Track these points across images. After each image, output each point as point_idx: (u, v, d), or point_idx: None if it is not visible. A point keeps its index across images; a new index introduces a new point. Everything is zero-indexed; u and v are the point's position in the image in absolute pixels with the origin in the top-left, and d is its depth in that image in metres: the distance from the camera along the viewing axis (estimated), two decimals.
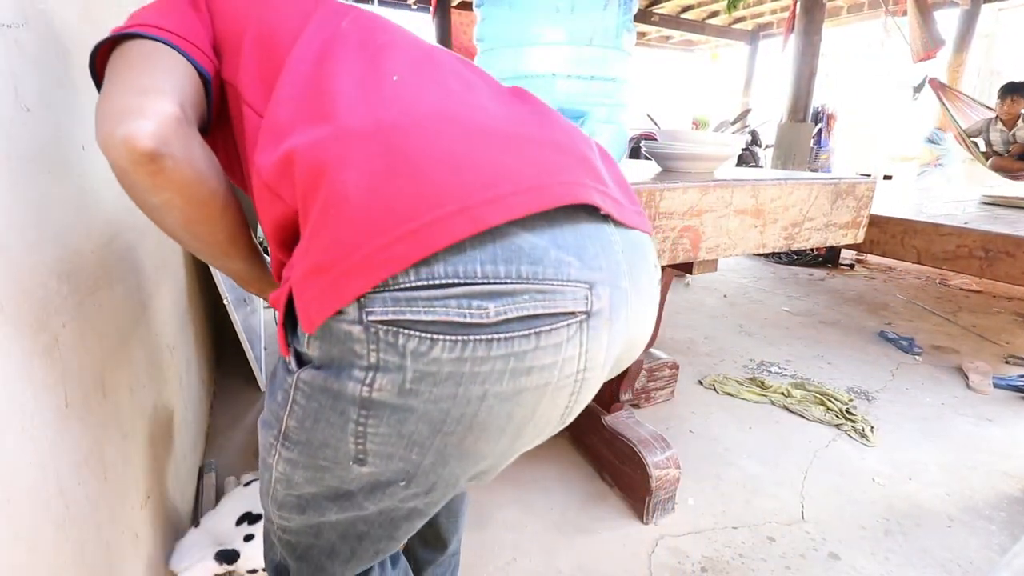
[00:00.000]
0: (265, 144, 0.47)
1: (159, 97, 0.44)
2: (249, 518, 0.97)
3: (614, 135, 0.94)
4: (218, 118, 0.58)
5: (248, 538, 0.95)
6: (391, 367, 0.39)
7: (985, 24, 6.61)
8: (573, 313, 0.41)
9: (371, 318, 0.38)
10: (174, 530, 1.06)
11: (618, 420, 1.39)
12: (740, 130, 4.73)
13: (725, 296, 3.11)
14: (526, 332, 0.39)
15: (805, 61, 4.39)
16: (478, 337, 0.38)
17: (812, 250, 3.79)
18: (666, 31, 7.69)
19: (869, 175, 1.61)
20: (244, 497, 1.02)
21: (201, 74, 0.52)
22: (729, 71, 8.98)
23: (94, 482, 0.69)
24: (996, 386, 1.97)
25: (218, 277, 1.64)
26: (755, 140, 5.10)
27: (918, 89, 4.44)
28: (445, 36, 5.27)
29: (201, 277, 1.76)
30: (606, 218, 0.46)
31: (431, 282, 0.38)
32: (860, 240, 1.13)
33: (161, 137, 0.42)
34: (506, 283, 0.38)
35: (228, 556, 0.92)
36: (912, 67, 4.46)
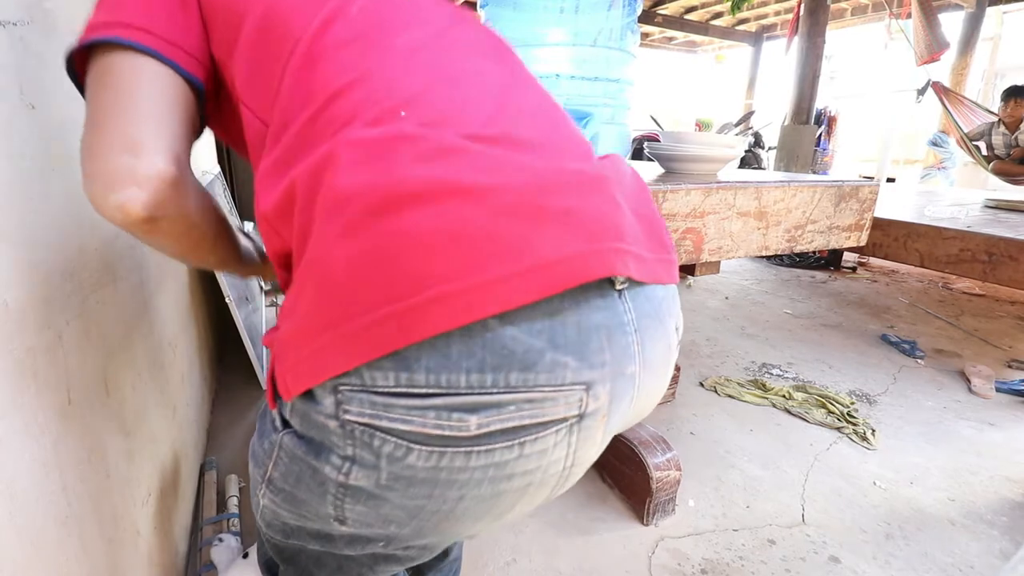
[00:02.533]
0: (269, 173, 0.43)
1: (150, 156, 0.41)
2: None
3: (617, 136, 0.94)
4: (215, 96, 0.53)
5: None
6: (367, 464, 0.37)
7: (990, 27, 6.60)
8: (564, 419, 0.38)
9: (347, 417, 0.36)
10: (175, 528, 1.06)
11: None
12: (743, 132, 4.74)
13: (727, 298, 3.10)
14: (509, 443, 0.37)
15: (808, 63, 4.39)
16: (456, 449, 0.36)
17: (814, 253, 3.78)
18: (669, 32, 7.69)
19: (872, 178, 1.61)
20: None
21: (192, 84, 0.47)
22: (732, 73, 8.97)
23: (96, 480, 0.69)
24: (999, 390, 1.96)
25: (220, 276, 1.64)
26: (758, 142, 5.10)
27: (922, 92, 4.43)
28: None
29: (204, 276, 1.77)
30: (622, 288, 0.41)
31: (410, 390, 0.35)
32: (863, 243, 1.12)
33: (156, 205, 0.42)
34: (492, 394, 0.35)
35: None
36: (916, 70, 4.46)
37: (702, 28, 7.45)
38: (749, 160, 5.01)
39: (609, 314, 0.39)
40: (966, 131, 3.93)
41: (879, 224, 1.91)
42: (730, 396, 1.89)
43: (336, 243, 0.36)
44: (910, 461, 1.55)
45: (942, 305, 3.00)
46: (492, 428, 0.36)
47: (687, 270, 1.03)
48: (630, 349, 0.41)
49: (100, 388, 0.74)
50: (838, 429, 1.70)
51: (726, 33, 7.68)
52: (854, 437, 1.65)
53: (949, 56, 4.97)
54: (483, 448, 0.36)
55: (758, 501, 1.36)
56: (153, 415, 0.99)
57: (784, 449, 1.59)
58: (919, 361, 2.23)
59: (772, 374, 2.09)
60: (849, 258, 3.98)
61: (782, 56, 5.56)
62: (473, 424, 0.35)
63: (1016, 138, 3.61)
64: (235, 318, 1.70)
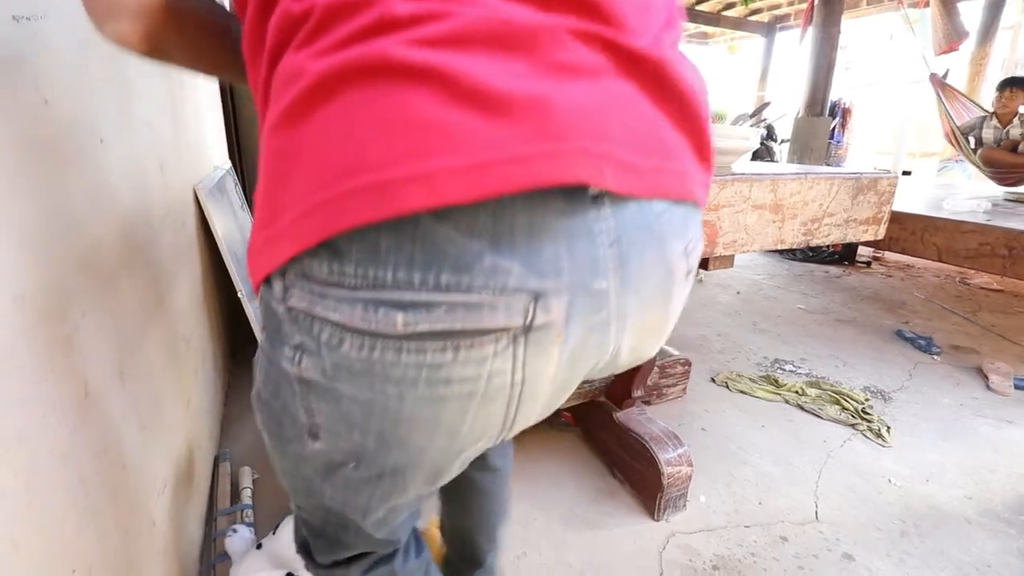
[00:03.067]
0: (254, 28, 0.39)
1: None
2: None
3: None
4: None
5: None
6: (311, 351, 0.37)
7: (1010, 15, 6.44)
8: (505, 328, 0.34)
9: (290, 303, 0.36)
10: (190, 519, 1.07)
11: (629, 416, 1.39)
12: (757, 124, 4.67)
13: (739, 293, 3.07)
14: (441, 345, 0.34)
15: (823, 54, 4.32)
16: (385, 344, 0.34)
17: (828, 247, 3.73)
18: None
19: (888, 171, 1.58)
20: None
21: None
22: (745, 64, 8.85)
23: (113, 471, 0.70)
24: (1017, 387, 1.93)
25: (232, 270, 1.65)
26: (771, 134, 5.03)
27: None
28: None
29: (216, 269, 1.78)
30: (600, 195, 0.36)
31: (341, 280, 0.34)
32: (881, 236, 1.11)
33: (147, 33, 0.42)
34: (420, 292, 0.33)
35: None
36: (933, 60, 4.36)
37: (714, 19, 7.35)
38: (761, 153, 4.94)
39: (573, 221, 0.35)
40: (958, 124, 3.85)
41: (896, 218, 1.88)
42: (742, 392, 1.88)
43: (277, 129, 0.35)
44: (926, 458, 1.53)
45: (959, 300, 2.95)
46: (420, 329, 0.33)
47: (701, 264, 1.01)
48: (600, 264, 0.36)
49: (116, 380, 0.74)
50: (852, 426, 1.68)
51: (738, 24, 7.57)
52: (869, 434, 1.63)
53: (968, 45, 4.86)
54: (413, 346, 0.34)
55: (770, 497, 1.35)
56: (168, 407, 1.00)
57: (797, 445, 1.58)
58: (935, 357, 2.20)
59: (785, 370, 2.07)
60: (864, 252, 3.92)
61: (796, 47, 5.48)
62: (399, 322, 0.33)
63: (1007, 132, 3.51)
64: (247, 311, 1.71)
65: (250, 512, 1.21)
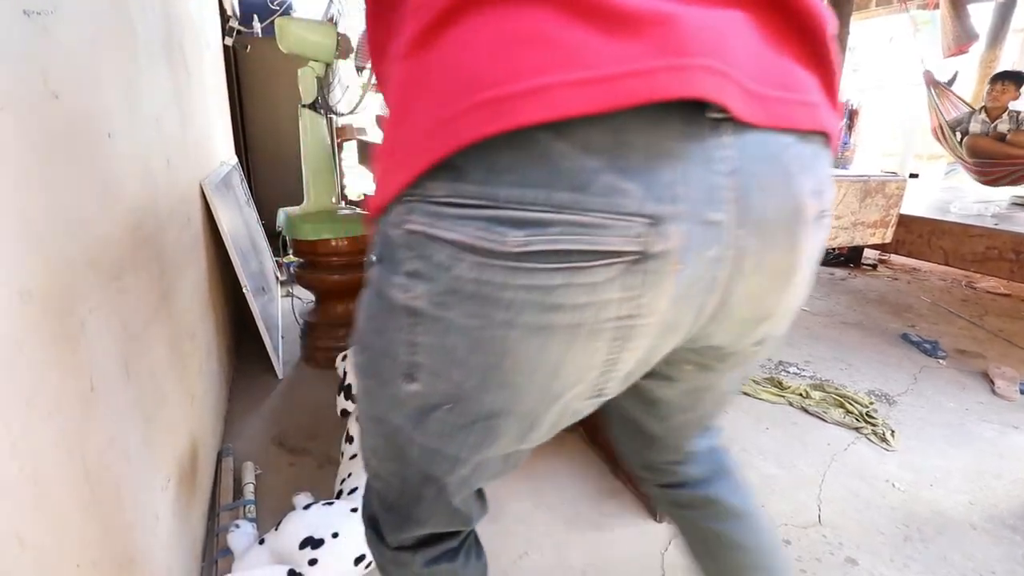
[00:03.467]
0: None
1: None
2: (312, 543, 0.99)
3: None
4: None
5: (312, 562, 0.97)
6: (425, 277, 0.36)
7: (1021, 18, 6.38)
8: (619, 253, 0.33)
9: (408, 227, 0.36)
10: (193, 514, 1.08)
11: None
12: None
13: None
14: (554, 267, 0.33)
15: None
16: (498, 263, 0.34)
17: (833, 249, 3.71)
18: None
19: (895, 173, 1.57)
20: (305, 520, 1.03)
21: None
22: None
23: (117, 465, 0.70)
24: (1023, 392, 1.92)
25: (238, 266, 1.65)
26: None
27: (948, 84, 4.31)
28: None
29: (222, 266, 1.79)
30: (721, 120, 0.33)
31: (458, 200, 0.34)
32: (888, 240, 1.10)
33: None
34: (535, 211, 0.32)
35: None
36: (942, 62, 4.33)
37: None
38: None
39: (690, 145, 0.33)
40: (947, 119, 3.82)
41: (902, 221, 1.87)
42: (745, 394, 1.87)
43: (403, 59, 0.36)
44: (930, 463, 1.52)
45: (965, 304, 2.93)
46: (535, 248, 0.33)
47: None
48: (716, 193, 0.34)
49: (121, 375, 0.75)
50: (856, 429, 1.67)
51: None
52: (873, 438, 1.63)
53: (978, 48, 4.82)
54: (526, 266, 0.33)
55: (773, 500, 1.35)
56: (172, 402, 1.00)
57: (801, 448, 1.57)
58: (941, 361, 2.18)
59: (789, 372, 2.06)
60: (869, 255, 3.90)
61: None
62: (512, 240, 0.33)
63: (995, 126, 3.47)
64: (252, 308, 1.71)
65: (252, 508, 1.21)
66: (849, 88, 6.08)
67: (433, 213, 0.35)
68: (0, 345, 0.46)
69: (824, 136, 0.38)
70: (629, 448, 0.73)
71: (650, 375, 0.50)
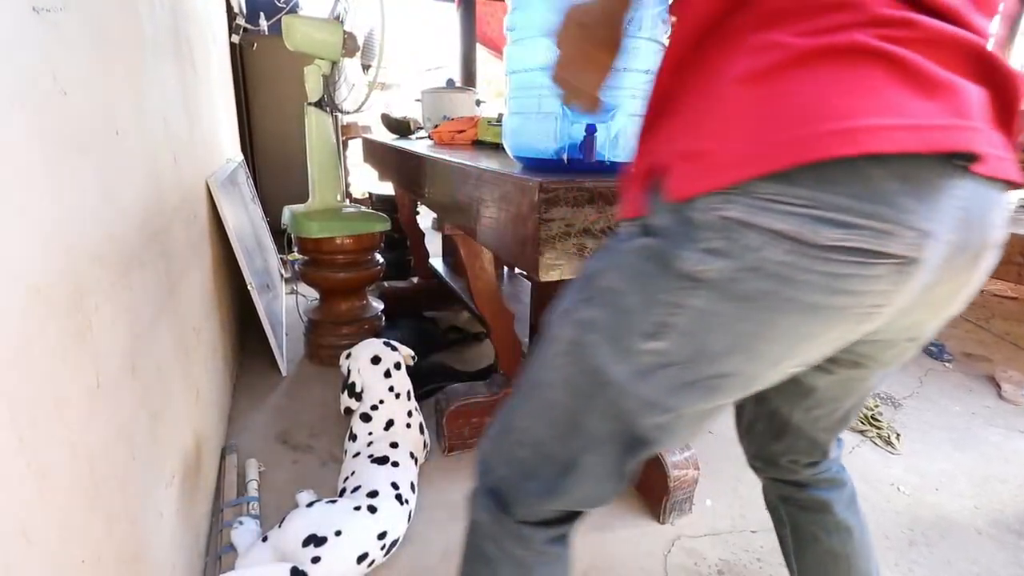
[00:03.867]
0: None
1: None
2: (315, 540, 0.99)
3: None
4: None
5: (315, 560, 0.97)
6: (726, 254, 0.44)
7: None
8: (896, 256, 0.42)
9: (722, 214, 0.43)
10: (197, 510, 1.08)
11: None
12: None
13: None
14: (849, 260, 0.42)
15: None
16: (806, 252, 0.42)
17: None
18: None
19: None
20: (308, 518, 1.04)
21: None
22: None
23: (123, 462, 0.70)
24: None
25: (243, 263, 1.66)
26: None
27: None
28: (470, 27, 5.24)
29: (227, 262, 1.79)
30: (960, 167, 0.43)
31: (785, 199, 0.42)
32: None
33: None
34: (848, 216, 0.41)
35: None
36: None
37: None
38: None
39: (945, 183, 0.43)
40: None
41: None
42: None
43: (742, 83, 0.44)
44: (936, 467, 1.51)
45: (972, 307, 2.91)
46: (841, 244, 0.41)
47: None
48: (953, 221, 0.44)
49: (127, 372, 0.75)
50: (861, 432, 1.66)
51: None
52: (878, 441, 1.62)
53: None
54: (829, 257, 0.42)
55: None
56: (177, 399, 1.01)
57: None
58: (947, 365, 2.17)
59: None
60: None
61: None
62: (827, 235, 0.41)
63: None
64: (256, 305, 1.72)
65: (256, 505, 1.21)
66: None
67: (755, 207, 0.42)
68: (8, 341, 0.46)
69: (1008, 184, 0.48)
70: (755, 436, 0.80)
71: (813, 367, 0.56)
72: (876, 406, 1.80)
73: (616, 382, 0.50)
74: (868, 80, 0.41)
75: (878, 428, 1.67)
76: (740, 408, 0.81)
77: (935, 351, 2.23)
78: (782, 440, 0.77)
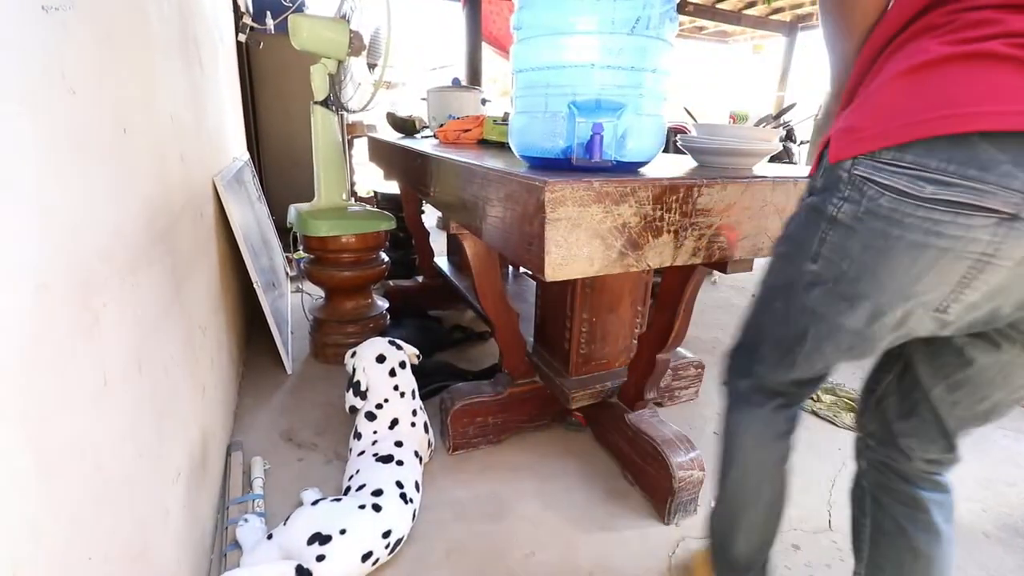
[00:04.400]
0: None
1: None
2: (320, 539, 0.99)
3: (653, 128, 0.91)
4: None
5: (320, 558, 0.97)
6: (853, 201, 0.61)
7: None
8: (996, 211, 0.52)
9: (856, 172, 0.60)
10: (202, 507, 1.08)
11: (641, 418, 1.37)
12: (780, 126, 4.60)
13: (754, 296, 3.04)
14: (949, 210, 0.54)
15: None
16: (911, 201, 0.56)
17: None
18: (700, 21, 7.50)
19: None
20: (313, 516, 1.04)
21: None
22: (764, 64, 8.72)
23: (129, 459, 0.70)
24: None
25: (249, 261, 1.66)
26: (790, 136, 4.95)
27: None
28: (475, 26, 5.23)
29: (233, 261, 1.80)
30: None
31: (899, 164, 0.56)
32: None
33: None
34: (948, 177, 0.53)
35: (303, 574, 0.95)
36: None
37: (734, 17, 7.24)
38: (779, 155, 4.87)
39: None
40: None
41: None
42: None
43: (900, 77, 0.58)
44: None
45: None
46: (939, 197, 0.54)
47: (719, 267, 1.00)
48: None
49: (134, 369, 0.75)
50: None
51: (759, 23, 7.44)
52: None
53: None
54: (928, 207, 0.55)
55: None
56: (183, 396, 1.01)
57: (811, 453, 1.56)
58: None
59: None
60: None
61: (818, 47, 5.37)
62: (928, 191, 0.54)
63: None
64: (262, 303, 1.72)
65: (261, 502, 1.22)
66: None
67: (876, 168, 0.58)
68: (17, 338, 0.47)
69: None
70: (882, 412, 0.82)
71: (980, 336, 0.66)
72: None
73: (796, 291, 0.70)
74: (995, 76, 0.52)
75: None
76: (875, 380, 0.83)
77: None
78: (910, 419, 0.77)
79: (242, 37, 2.81)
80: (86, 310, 0.61)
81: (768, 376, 0.81)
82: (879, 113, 0.60)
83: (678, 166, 1.07)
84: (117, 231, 0.74)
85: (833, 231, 0.64)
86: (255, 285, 1.68)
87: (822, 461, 1.52)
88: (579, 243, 0.78)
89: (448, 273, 2.43)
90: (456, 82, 2.37)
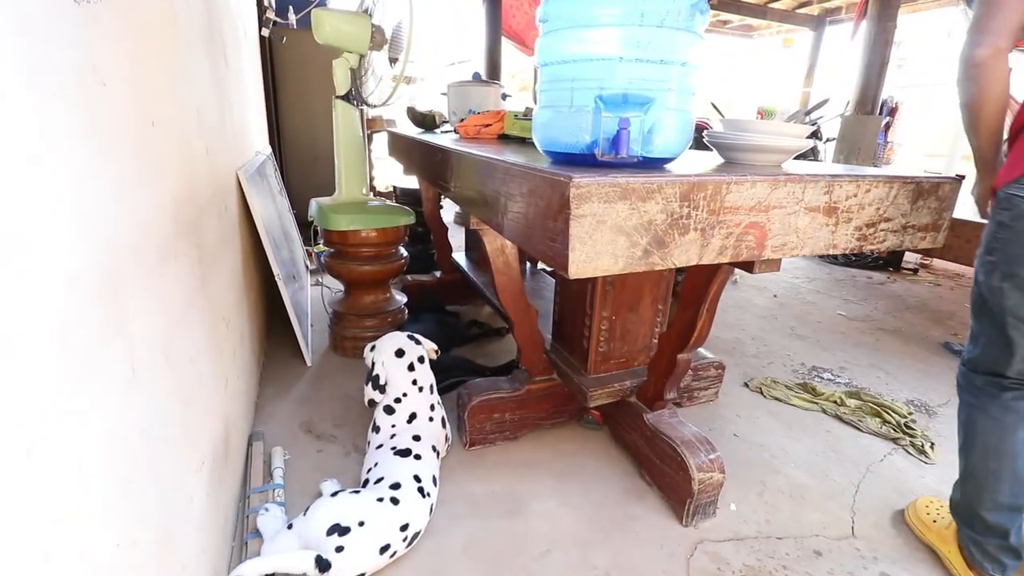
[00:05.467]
0: None
1: (993, 37, 0.90)
2: (339, 530, 1.00)
3: (680, 123, 0.89)
4: None
5: (339, 549, 0.98)
6: (1010, 209, 0.94)
7: None
8: None
9: (1009, 191, 0.94)
10: (225, 496, 1.10)
11: (660, 418, 1.36)
12: (812, 121, 4.49)
13: (775, 296, 2.98)
14: None
15: (876, 50, 4.11)
16: None
17: (872, 252, 3.58)
18: (725, 15, 7.37)
19: (939, 174, 1.48)
20: (332, 507, 1.05)
21: None
22: (790, 59, 8.53)
23: (156, 448, 0.71)
24: None
25: (271, 254, 1.68)
26: (816, 133, 4.84)
27: None
28: (495, 21, 5.20)
29: (255, 254, 1.82)
30: None
31: None
32: (940, 244, 1.04)
33: (983, 60, 0.92)
34: None
35: (322, 564, 0.96)
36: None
37: (760, 11, 7.09)
38: (805, 152, 4.76)
39: None
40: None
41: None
42: (777, 399, 1.82)
43: None
44: None
45: None
46: None
47: (745, 267, 0.98)
48: None
49: (162, 360, 0.76)
50: (894, 440, 1.61)
51: (785, 16, 7.28)
52: (911, 449, 1.56)
53: None
54: None
55: (805, 510, 1.31)
56: (208, 387, 1.02)
57: (834, 457, 1.52)
58: None
59: (823, 378, 2.00)
60: (910, 259, 3.75)
61: (847, 42, 5.24)
62: None
63: None
64: (283, 295, 1.74)
65: (281, 492, 1.23)
66: (891, 85, 5.84)
67: (1021, 187, 0.92)
68: (48, 329, 0.47)
69: None
70: None
71: None
72: (910, 413, 1.74)
73: (987, 274, 1.00)
74: None
75: (911, 436, 1.61)
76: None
77: None
78: None
79: (265, 32, 2.84)
80: (115, 301, 0.61)
81: (996, 366, 1.04)
82: (1019, 156, 0.93)
83: (703, 162, 1.05)
84: (145, 224, 0.75)
85: (1001, 232, 0.95)
86: (276, 277, 1.70)
87: (845, 466, 1.48)
88: (604, 240, 0.76)
89: (466, 268, 2.43)
90: (476, 77, 2.36)
